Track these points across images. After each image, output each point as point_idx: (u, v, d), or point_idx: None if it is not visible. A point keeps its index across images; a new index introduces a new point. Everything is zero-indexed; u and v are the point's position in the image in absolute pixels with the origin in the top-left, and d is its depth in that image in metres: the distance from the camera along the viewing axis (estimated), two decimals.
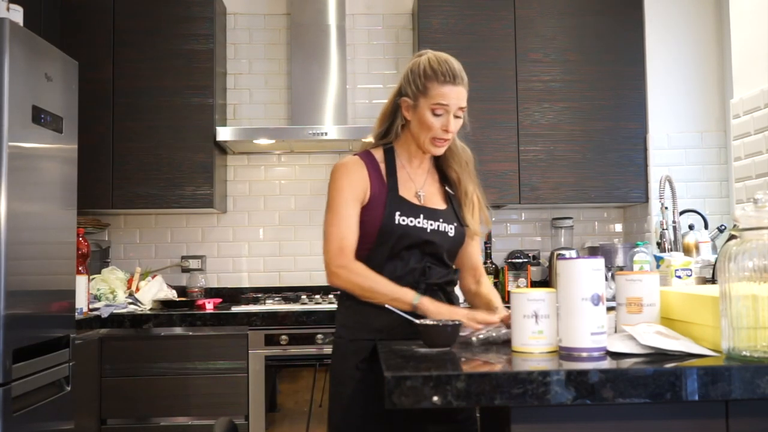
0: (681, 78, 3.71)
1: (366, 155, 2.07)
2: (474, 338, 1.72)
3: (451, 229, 2.04)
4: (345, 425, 1.97)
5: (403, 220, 1.97)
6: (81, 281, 3.08)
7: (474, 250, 2.16)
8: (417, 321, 1.73)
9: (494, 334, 1.72)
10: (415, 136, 2.04)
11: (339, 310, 2.08)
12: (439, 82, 1.97)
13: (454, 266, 2.10)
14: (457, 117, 2.00)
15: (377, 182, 2.02)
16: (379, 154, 2.08)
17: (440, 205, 2.08)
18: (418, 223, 1.99)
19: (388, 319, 1.94)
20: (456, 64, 2.01)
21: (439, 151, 2.04)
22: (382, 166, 2.05)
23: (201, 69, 3.66)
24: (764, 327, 1.32)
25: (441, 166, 2.15)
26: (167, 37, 3.66)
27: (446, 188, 2.12)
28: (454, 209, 2.09)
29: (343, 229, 1.97)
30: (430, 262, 2.00)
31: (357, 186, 2.00)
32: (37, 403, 2.46)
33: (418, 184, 2.08)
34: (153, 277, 3.68)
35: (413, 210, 2.00)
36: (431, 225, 2.00)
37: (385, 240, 1.97)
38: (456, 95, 1.97)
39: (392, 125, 2.09)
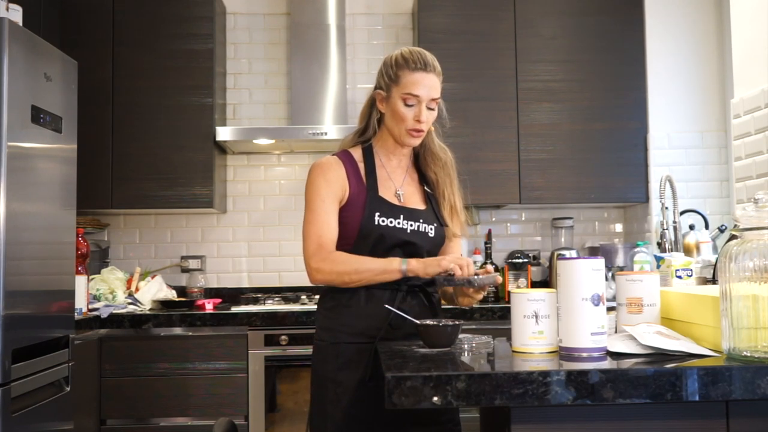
0: (681, 78, 3.70)
1: (344, 155, 2.06)
2: (459, 280, 1.84)
3: (431, 229, 2.03)
4: (325, 428, 1.95)
5: (383, 221, 1.96)
6: (80, 281, 3.07)
7: (454, 251, 2.13)
8: (417, 321, 1.72)
9: (477, 278, 1.85)
10: (390, 129, 2.03)
11: (319, 312, 2.06)
12: (410, 69, 1.96)
13: None
14: (430, 108, 1.98)
15: (356, 182, 2.00)
16: (357, 153, 2.07)
17: (420, 205, 2.06)
18: (398, 223, 1.97)
19: (370, 322, 1.93)
20: (429, 55, 2.00)
21: (415, 142, 2.02)
22: (361, 166, 2.04)
23: (201, 69, 3.66)
24: (765, 327, 1.32)
25: (420, 166, 2.13)
26: (167, 37, 3.66)
27: (425, 188, 2.10)
28: (434, 209, 2.07)
29: (321, 226, 1.95)
30: None
31: (334, 184, 1.98)
32: (36, 404, 2.46)
33: (397, 183, 2.07)
34: (152, 278, 3.67)
35: (393, 210, 1.99)
36: (411, 225, 1.99)
37: (365, 241, 1.96)
38: (427, 83, 1.96)
39: (369, 121, 2.09)
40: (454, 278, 1.85)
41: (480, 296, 1.94)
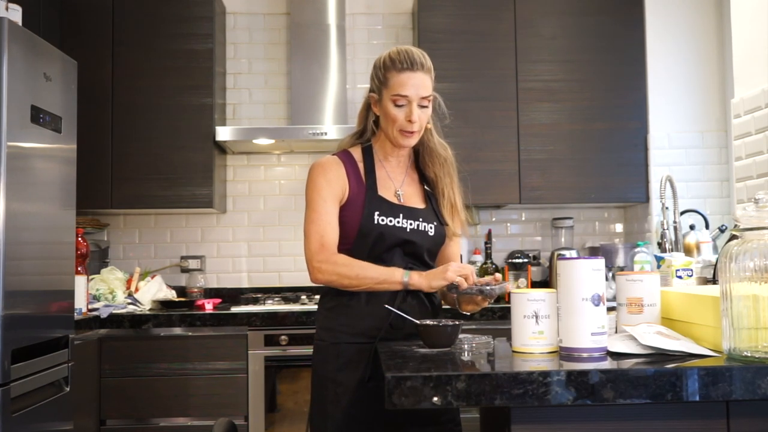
0: (681, 78, 3.70)
1: (344, 154, 2.06)
2: (468, 289, 1.84)
3: (431, 228, 2.02)
4: (326, 428, 1.95)
5: (383, 220, 1.96)
6: (80, 281, 3.07)
7: (453, 250, 2.13)
8: (417, 321, 1.72)
9: (488, 288, 1.84)
10: (385, 130, 2.03)
11: (320, 312, 2.06)
12: (396, 70, 1.96)
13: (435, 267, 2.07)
14: (423, 107, 1.98)
15: (355, 181, 2.01)
16: (357, 153, 2.07)
17: (420, 204, 2.06)
18: (398, 222, 1.97)
19: (370, 322, 1.93)
20: (416, 52, 1.99)
21: (409, 142, 2.01)
22: (361, 165, 2.04)
23: (201, 69, 3.66)
24: (765, 327, 1.32)
25: (420, 165, 2.13)
26: (167, 37, 3.66)
27: (425, 187, 2.10)
28: (434, 208, 2.07)
29: (323, 225, 1.95)
30: (411, 262, 1.99)
31: (335, 184, 1.99)
32: (36, 404, 2.46)
33: (396, 182, 2.07)
34: (152, 278, 3.67)
35: (392, 209, 1.99)
36: (411, 224, 1.99)
37: (365, 240, 1.96)
38: (415, 82, 1.95)
39: (366, 123, 2.09)
40: (467, 287, 1.85)
41: (486, 304, 1.93)
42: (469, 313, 2.02)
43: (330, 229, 1.96)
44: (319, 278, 1.95)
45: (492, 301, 1.92)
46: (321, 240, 1.94)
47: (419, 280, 1.90)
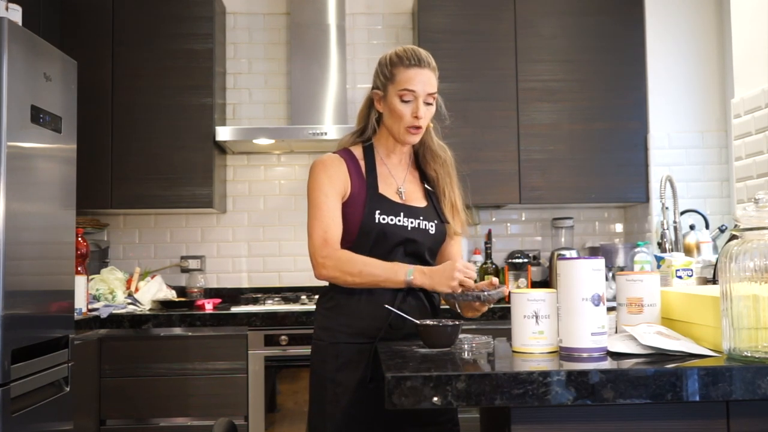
0: (681, 77, 3.70)
1: (345, 152, 2.06)
2: (465, 296, 1.84)
3: (431, 226, 2.02)
4: (325, 428, 1.95)
5: (383, 219, 1.96)
6: (80, 281, 3.07)
7: (455, 249, 2.13)
8: (417, 321, 1.72)
9: (485, 293, 1.83)
10: (389, 128, 2.03)
11: (318, 312, 2.05)
12: (404, 66, 1.97)
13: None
14: (428, 104, 1.99)
15: (357, 179, 2.01)
16: (358, 151, 2.07)
17: (421, 202, 2.06)
18: (399, 221, 1.98)
19: (370, 322, 1.93)
20: (423, 51, 2.01)
21: (414, 139, 2.02)
22: (362, 163, 2.04)
23: (200, 69, 3.66)
24: (765, 327, 1.32)
25: (420, 164, 2.13)
26: (167, 37, 3.66)
27: (426, 186, 2.11)
28: (435, 206, 2.07)
29: (326, 221, 1.95)
30: (412, 261, 1.98)
31: (336, 180, 1.99)
32: (36, 404, 2.46)
33: (398, 180, 2.07)
34: (152, 278, 3.67)
35: (393, 208, 1.99)
36: (412, 223, 1.99)
37: (366, 238, 1.96)
38: (423, 79, 1.97)
39: (368, 121, 2.09)
40: (463, 294, 1.85)
41: (485, 308, 1.92)
42: (470, 317, 2.02)
43: (333, 225, 1.96)
44: (323, 274, 1.94)
45: (491, 305, 1.92)
46: (324, 236, 1.94)
47: (423, 279, 1.90)
